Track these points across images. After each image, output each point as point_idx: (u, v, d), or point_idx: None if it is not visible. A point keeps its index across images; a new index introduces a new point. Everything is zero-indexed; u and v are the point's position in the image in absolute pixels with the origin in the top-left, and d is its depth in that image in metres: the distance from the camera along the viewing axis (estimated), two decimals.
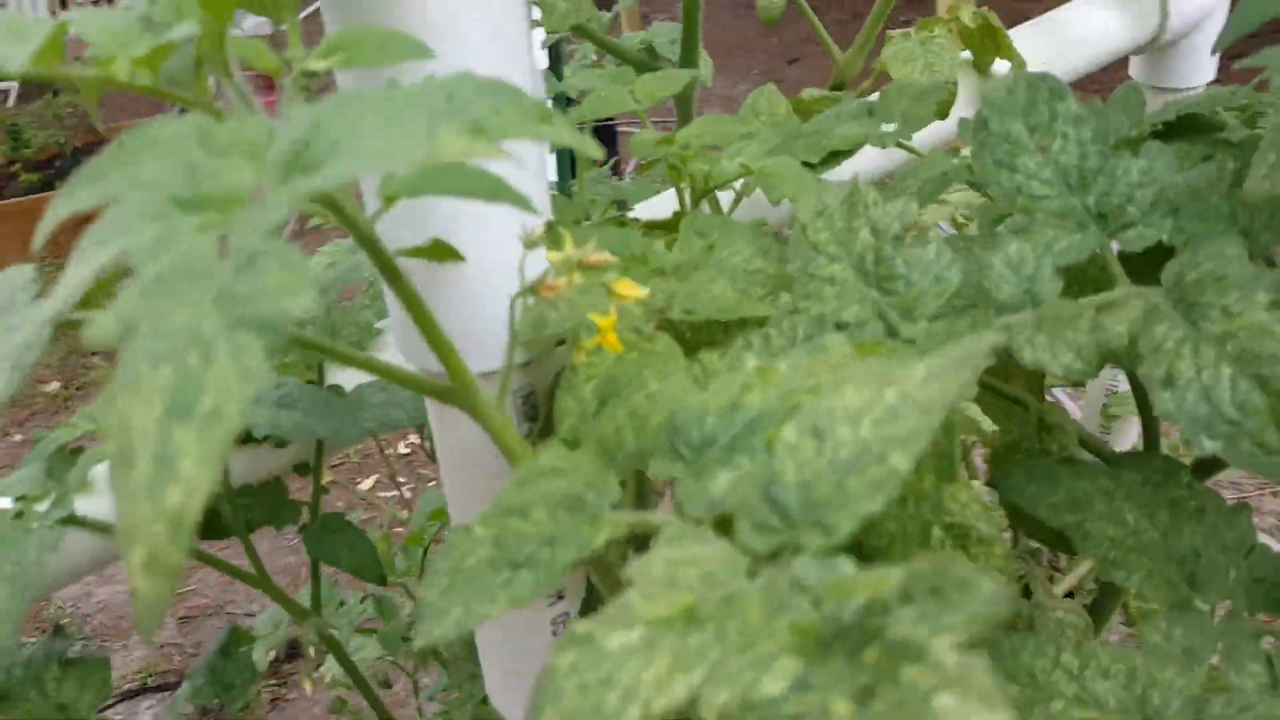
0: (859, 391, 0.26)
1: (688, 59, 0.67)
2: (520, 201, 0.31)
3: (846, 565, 0.23)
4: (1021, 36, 0.88)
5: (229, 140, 0.25)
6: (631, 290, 0.37)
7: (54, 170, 4.32)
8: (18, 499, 0.53)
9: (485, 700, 0.81)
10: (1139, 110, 0.58)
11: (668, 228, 0.51)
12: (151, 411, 0.20)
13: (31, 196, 3.94)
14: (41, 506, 0.53)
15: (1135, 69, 1.04)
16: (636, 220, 0.49)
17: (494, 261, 0.39)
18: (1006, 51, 0.82)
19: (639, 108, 0.54)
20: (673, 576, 0.24)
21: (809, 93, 0.84)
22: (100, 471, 0.56)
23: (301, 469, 0.60)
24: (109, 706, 2.25)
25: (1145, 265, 0.44)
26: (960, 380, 0.24)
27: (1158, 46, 0.99)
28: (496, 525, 0.29)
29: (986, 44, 0.83)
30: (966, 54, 0.86)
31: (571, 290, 0.38)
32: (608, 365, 0.39)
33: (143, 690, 2.30)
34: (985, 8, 0.82)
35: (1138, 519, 0.42)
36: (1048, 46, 0.87)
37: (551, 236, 0.40)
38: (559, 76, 1.38)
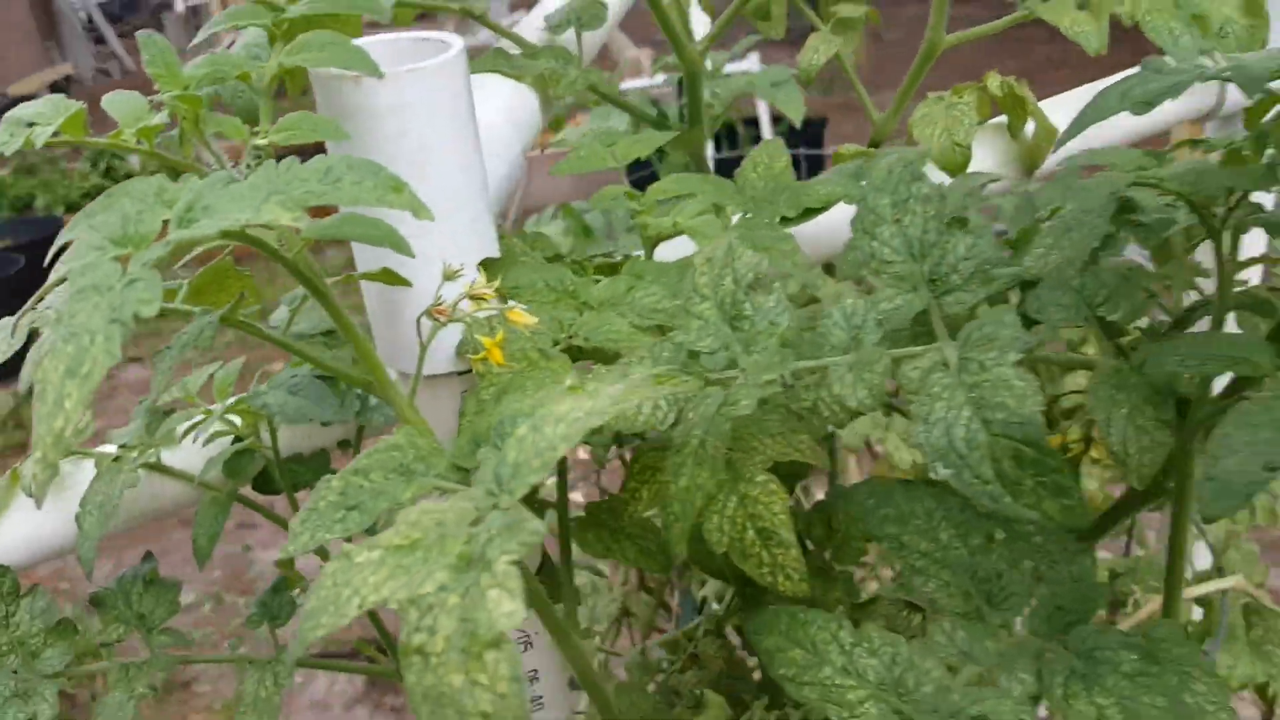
0: (574, 403, 0.35)
1: (694, 118, 0.77)
2: (403, 248, 0.42)
3: (524, 515, 0.33)
4: (1066, 103, 0.93)
5: (173, 196, 0.38)
6: (522, 318, 0.48)
7: None
8: (120, 446, 0.68)
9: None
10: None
11: (619, 269, 0.61)
12: (58, 370, 0.32)
13: None
14: (135, 454, 0.68)
15: (1209, 135, 1.06)
16: (591, 260, 0.59)
17: (429, 289, 0.50)
18: (1035, 116, 0.88)
19: (617, 165, 0.64)
20: (418, 521, 0.35)
21: (846, 148, 0.92)
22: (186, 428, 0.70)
23: (345, 445, 0.74)
24: None
25: None
26: (634, 400, 0.34)
27: (1222, 116, 1.01)
28: (345, 479, 0.40)
29: (1017, 110, 0.89)
30: (1002, 118, 0.91)
31: (485, 315, 0.49)
32: (509, 376, 0.49)
33: None
34: (1015, 78, 0.88)
35: (951, 538, 0.49)
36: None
37: (483, 271, 0.51)
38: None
